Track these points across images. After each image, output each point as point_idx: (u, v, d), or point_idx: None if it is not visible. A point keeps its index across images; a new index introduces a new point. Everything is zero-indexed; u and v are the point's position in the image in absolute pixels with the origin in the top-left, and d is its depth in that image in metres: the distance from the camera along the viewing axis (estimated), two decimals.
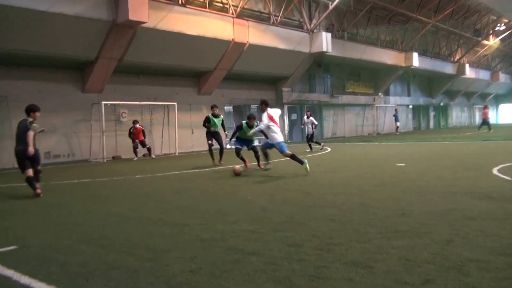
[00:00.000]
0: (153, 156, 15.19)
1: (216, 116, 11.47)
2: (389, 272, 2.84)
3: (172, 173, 9.99)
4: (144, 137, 15.22)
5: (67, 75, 14.71)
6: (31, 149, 6.55)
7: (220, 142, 11.49)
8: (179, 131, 17.10)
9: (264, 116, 8.63)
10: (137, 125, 14.94)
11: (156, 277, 2.91)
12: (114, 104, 15.36)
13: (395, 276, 2.76)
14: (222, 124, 11.70)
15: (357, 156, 12.70)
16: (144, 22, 13.67)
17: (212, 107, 11.65)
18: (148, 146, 15.22)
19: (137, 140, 14.99)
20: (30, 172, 6.70)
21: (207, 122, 11.43)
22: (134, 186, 7.95)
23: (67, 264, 3.31)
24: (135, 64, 15.46)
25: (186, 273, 2.96)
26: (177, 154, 16.69)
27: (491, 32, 36.56)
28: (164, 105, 16.96)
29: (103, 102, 14.64)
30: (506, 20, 33.83)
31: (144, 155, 15.36)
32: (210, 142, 11.35)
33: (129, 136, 14.99)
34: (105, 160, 14.44)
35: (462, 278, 2.68)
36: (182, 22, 15.37)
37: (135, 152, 14.96)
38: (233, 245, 3.62)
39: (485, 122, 24.54)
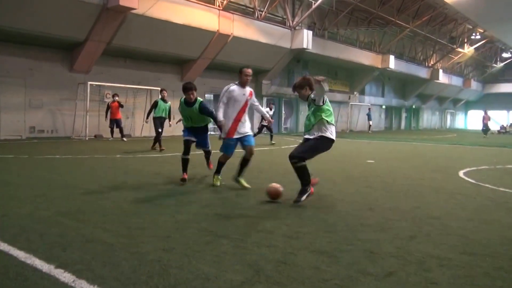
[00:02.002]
0: (124, 139, 14.88)
1: (165, 101, 11.12)
2: (353, 263, 2.95)
3: (151, 155, 10.30)
4: (120, 116, 15.05)
5: (56, 54, 15.08)
6: None
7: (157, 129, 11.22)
8: None
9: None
10: (116, 98, 14.80)
11: (131, 253, 3.01)
12: (100, 85, 15.81)
13: (359, 267, 2.86)
14: (169, 112, 11.47)
15: (329, 151, 13.45)
16: (134, 8, 14.11)
17: (162, 90, 11.23)
18: (121, 127, 15.00)
19: (113, 119, 14.84)
20: None
21: (154, 108, 11.08)
22: (114, 165, 8.18)
23: (45, 235, 3.41)
24: (122, 48, 15.87)
25: (159, 251, 3.06)
26: None
27: (466, 40, 37.96)
28: (147, 89, 17.47)
29: (89, 83, 15.10)
30: (481, 30, 35.17)
31: (125, 136, 15.78)
32: (160, 130, 11.13)
33: (106, 111, 14.80)
34: (87, 138, 14.92)
35: (423, 273, 2.78)
36: (170, 10, 15.84)
37: (112, 132, 15.16)
38: (205, 227, 3.75)
39: (486, 127, 25.22)
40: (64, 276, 2.59)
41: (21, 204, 4.51)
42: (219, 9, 17.81)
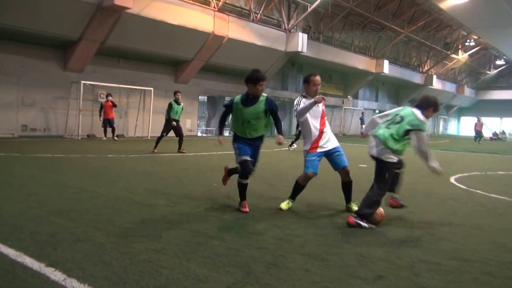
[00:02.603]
0: (116, 138, 15.13)
1: (179, 103, 10.98)
2: (343, 266, 2.97)
3: (143, 155, 10.29)
4: (113, 116, 15.15)
5: (50, 52, 14.99)
6: None
7: (181, 132, 11.12)
8: (153, 116, 17.63)
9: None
10: (110, 98, 14.94)
11: (121, 253, 3.01)
12: (93, 85, 15.74)
13: (349, 270, 2.88)
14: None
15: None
16: (128, 8, 14.07)
17: (175, 92, 11.09)
18: (113, 126, 15.18)
19: (106, 119, 14.94)
20: None
21: (170, 109, 10.88)
22: (106, 165, 8.16)
23: (36, 233, 3.40)
24: (116, 48, 15.82)
25: (150, 252, 3.06)
26: (149, 137, 17.19)
27: (460, 46, 38.29)
28: (141, 89, 17.43)
29: (83, 82, 15.01)
30: (475, 37, 35.45)
31: (117, 136, 15.72)
32: (165, 134, 11.06)
33: (100, 111, 14.91)
34: (79, 138, 14.82)
35: (413, 278, 2.80)
36: (165, 11, 15.82)
37: (105, 132, 15.18)
38: (197, 229, 3.74)
39: (478, 133, 25.44)
40: (55, 274, 2.58)
41: (13, 203, 4.49)
42: (214, 10, 17.82)
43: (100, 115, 14.97)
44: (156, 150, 10.98)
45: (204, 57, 18.59)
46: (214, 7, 17.91)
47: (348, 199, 5.01)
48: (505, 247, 3.66)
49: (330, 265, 2.97)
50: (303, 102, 4.80)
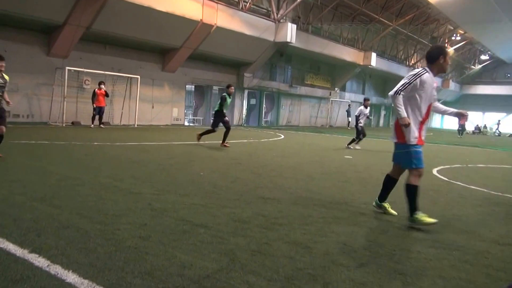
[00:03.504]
0: (102, 126, 15.05)
1: (230, 97, 10.76)
2: (327, 253, 3.04)
3: (129, 143, 10.22)
4: (105, 104, 15.21)
5: (33, 37, 14.62)
6: None
7: (229, 124, 10.83)
8: (139, 104, 17.46)
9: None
10: (102, 86, 14.89)
11: (106, 240, 3.01)
12: (78, 71, 15.43)
13: (332, 258, 2.95)
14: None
15: (308, 145, 13.40)
16: None
17: (229, 86, 10.82)
18: (102, 115, 15.15)
19: (98, 106, 14.88)
20: None
21: (223, 102, 10.56)
22: (91, 152, 8.08)
23: (19, 219, 3.38)
24: (102, 34, 15.51)
25: (136, 239, 3.07)
26: (136, 126, 17.05)
27: (446, 41, 38.78)
28: (128, 77, 17.19)
29: (67, 68, 14.71)
30: (461, 31, 35.96)
31: (103, 124, 15.53)
32: (217, 129, 10.70)
33: (92, 98, 14.81)
34: (64, 125, 14.60)
35: (393, 265, 2.89)
36: None
37: (93, 119, 15.01)
38: (183, 216, 3.76)
39: (462, 127, 25.98)
40: (39, 260, 2.57)
41: None
42: None
43: (93, 102, 14.83)
44: (199, 139, 10.81)
45: (192, 45, 18.40)
46: None
47: (383, 197, 4.48)
48: (482, 237, 3.79)
49: (314, 253, 3.03)
50: (426, 78, 4.00)
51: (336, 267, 2.79)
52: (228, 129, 10.65)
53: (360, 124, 12.65)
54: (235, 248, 3.02)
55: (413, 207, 3.98)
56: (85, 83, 16.04)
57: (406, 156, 4.14)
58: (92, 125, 14.97)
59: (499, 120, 40.13)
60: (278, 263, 2.79)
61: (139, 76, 17.21)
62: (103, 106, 15.07)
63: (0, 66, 6.38)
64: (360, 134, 12.68)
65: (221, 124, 10.59)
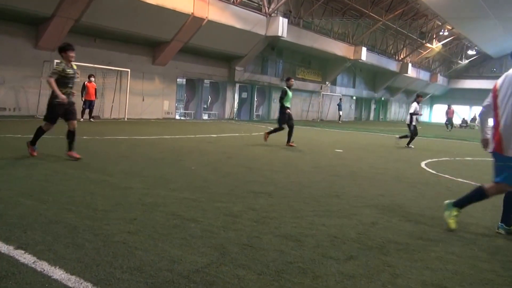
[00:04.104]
0: (92, 120, 14.91)
1: (290, 89, 10.24)
2: (317, 246, 3.06)
3: (119, 137, 10.12)
4: (96, 97, 15.09)
5: (21, 29, 14.34)
6: (62, 97, 5.87)
7: (292, 122, 10.27)
8: (130, 97, 17.29)
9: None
10: (92, 79, 14.74)
11: (95, 235, 2.98)
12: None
13: (322, 251, 2.98)
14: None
15: (299, 139, 13.33)
16: None
17: (289, 79, 10.38)
18: (92, 108, 15.04)
19: (87, 100, 14.70)
20: (47, 126, 6.23)
21: (284, 95, 9.98)
22: (80, 147, 7.80)
23: (5, 215, 3.31)
24: (92, 26, 15.28)
25: (125, 234, 3.04)
26: (126, 119, 16.90)
27: (435, 36, 39.18)
28: (118, 70, 16.98)
29: (56, 61, 14.40)
30: (449, 27, 36.32)
31: (93, 117, 15.35)
32: (284, 126, 10.14)
33: (82, 91, 14.58)
34: None
35: (381, 257, 2.93)
36: None
37: (82, 113, 14.79)
38: (173, 211, 3.74)
39: (450, 120, 26.23)
40: (24, 257, 2.54)
41: None
42: None
43: (82, 96, 14.60)
44: (267, 138, 10.33)
45: (183, 38, 18.23)
46: None
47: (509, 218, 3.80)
48: (468, 228, 3.86)
49: (304, 246, 3.05)
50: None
51: (326, 260, 2.82)
52: (291, 127, 10.12)
53: (413, 123, 11.88)
54: (226, 242, 3.02)
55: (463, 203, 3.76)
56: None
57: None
58: (82, 119, 14.77)
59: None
60: (268, 256, 2.79)
61: (129, 70, 17.02)
62: (94, 100, 14.89)
63: (70, 56, 6.06)
64: (413, 132, 11.96)
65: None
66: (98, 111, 16.58)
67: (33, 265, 2.43)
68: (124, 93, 17.16)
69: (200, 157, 7.58)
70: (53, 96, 6.01)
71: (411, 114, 11.97)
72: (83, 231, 3.05)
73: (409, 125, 12.07)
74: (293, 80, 10.52)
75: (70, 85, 6.09)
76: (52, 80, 5.91)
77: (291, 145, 10.10)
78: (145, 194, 4.35)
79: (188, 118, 22.19)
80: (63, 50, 6.09)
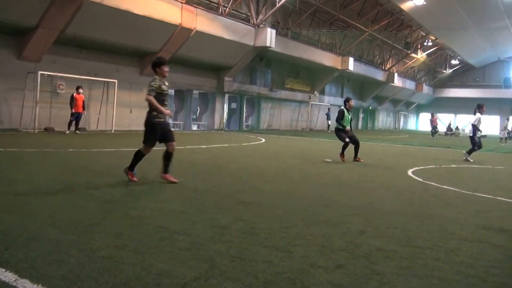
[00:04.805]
0: (77, 132, 14.72)
1: (349, 112, 9.88)
2: (306, 256, 3.07)
3: (106, 150, 10.03)
4: (84, 110, 14.97)
5: (3, 40, 14.13)
6: (167, 112, 5.60)
7: (356, 138, 10.02)
8: (117, 109, 17.17)
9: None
10: (81, 91, 14.63)
11: (80, 250, 2.92)
12: (52, 75, 15.01)
13: (311, 261, 2.98)
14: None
15: (289, 149, 13.49)
16: None
17: (348, 100, 10.03)
18: (79, 120, 14.92)
19: (76, 112, 14.57)
20: (147, 149, 5.71)
21: (341, 118, 9.75)
22: (65, 160, 7.85)
23: None
24: (78, 37, 15.19)
25: (111, 248, 2.99)
26: (113, 131, 16.74)
27: (419, 46, 39.91)
28: (104, 81, 16.88)
29: (40, 72, 14.29)
30: (433, 37, 37.13)
31: (79, 129, 15.17)
32: (348, 140, 9.79)
33: (70, 103, 14.47)
34: (36, 131, 14.14)
35: (369, 265, 2.96)
36: (131, 0, 15.35)
37: (69, 125, 14.62)
38: (161, 224, 3.70)
39: (434, 128, 26.64)
40: (5, 275, 2.46)
41: None
42: (182, 2, 17.50)
43: (71, 107, 14.47)
44: (343, 158, 9.83)
45: (171, 49, 18.25)
46: None
47: None
48: (453, 234, 3.91)
49: (293, 256, 3.06)
50: None
51: (314, 269, 2.82)
52: (356, 143, 9.82)
53: (476, 135, 11.27)
54: (214, 254, 3.00)
55: None
56: (59, 87, 15.61)
57: None
58: (68, 131, 14.60)
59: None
60: (257, 268, 2.78)
61: (116, 80, 16.93)
62: (81, 112, 14.77)
63: (165, 71, 5.68)
64: (476, 144, 11.31)
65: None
66: (84, 123, 16.39)
67: (14, 284, 2.36)
68: (111, 104, 17.03)
69: (190, 168, 7.54)
70: (152, 115, 5.56)
71: (474, 126, 11.32)
72: (67, 247, 2.99)
73: (472, 137, 11.41)
74: (353, 101, 10.13)
75: (166, 102, 5.71)
76: (152, 98, 5.48)
77: (358, 160, 9.82)
78: (132, 207, 4.31)
79: (177, 129, 22.09)
80: (158, 65, 5.70)
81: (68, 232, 3.36)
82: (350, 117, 9.92)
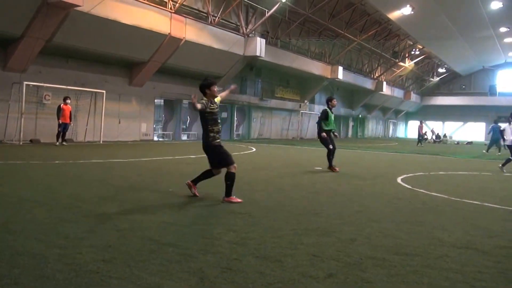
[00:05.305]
0: (64, 143, 14.54)
1: (332, 111, 9.47)
2: (297, 266, 3.06)
3: (94, 161, 9.92)
4: (70, 121, 14.82)
5: None
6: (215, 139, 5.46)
7: (335, 143, 9.55)
8: (106, 119, 17.03)
9: None
10: (68, 101, 14.51)
11: (66, 264, 2.86)
12: (37, 86, 14.81)
13: (302, 270, 2.98)
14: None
15: (280, 158, 13.54)
16: (78, 6, 13.44)
17: (331, 99, 9.58)
18: (66, 131, 14.77)
19: (64, 123, 14.40)
20: (217, 171, 5.59)
21: (324, 118, 9.35)
22: (52, 172, 7.75)
23: None
24: (64, 47, 15.07)
25: (99, 262, 2.94)
26: (101, 142, 16.57)
27: (407, 55, 40.57)
28: (92, 92, 16.74)
29: (25, 83, 14.11)
30: (420, 46, 37.84)
31: (65, 141, 14.98)
32: (332, 146, 9.35)
33: (57, 114, 14.31)
34: (21, 143, 13.92)
35: (360, 274, 2.96)
36: (119, 10, 15.30)
37: (58, 136, 14.43)
38: (150, 236, 3.67)
39: (421, 136, 26.91)
40: None
41: None
42: (171, 12, 17.53)
43: (58, 119, 14.31)
44: (336, 169, 9.35)
45: (161, 59, 18.22)
46: (171, 9, 17.63)
47: None
48: (442, 241, 3.93)
49: (284, 266, 3.05)
50: None
51: (305, 279, 2.81)
52: (329, 150, 9.29)
53: (507, 143, 10.91)
54: (205, 266, 2.97)
55: None
56: (45, 98, 15.39)
57: None
58: (57, 143, 14.43)
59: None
60: (248, 279, 2.76)
61: (104, 91, 16.81)
62: (68, 123, 14.61)
63: (215, 91, 5.51)
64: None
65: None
66: (71, 134, 16.19)
67: None
68: (99, 115, 16.90)
69: (179, 178, 7.46)
70: (209, 139, 5.46)
71: (501, 132, 11.08)
72: (53, 261, 2.91)
73: (510, 147, 11.01)
74: (335, 100, 9.68)
75: (219, 121, 5.61)
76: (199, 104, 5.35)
77: (334, 170, 9.30)
78: (120, 219, 4.26)
79: (166, 139, 21.99)
80: (209, 86, 5.52)
81: (53, 246, 3.28)
82: (333, 117, 9.60)
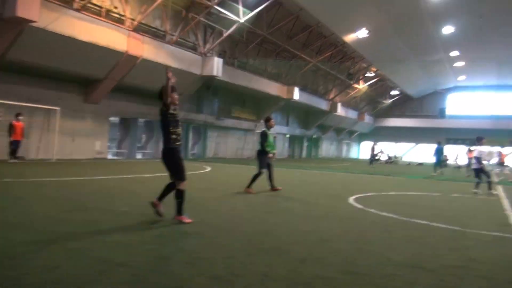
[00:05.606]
0: (16, 161, 13.93)
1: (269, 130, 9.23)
2: (248, 286, 3.08)
3: (45, 179, 9.57)
4: (22, 137, 14.20)
5: None
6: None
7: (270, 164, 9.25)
8: (59, 137, 16.37)
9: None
10: (20, 118, 13.95)
11: (12, 286, 2.82)
12: None
13: None
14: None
15: (234, 177, 13.53)
16: (33, 21, 13.01)
17: (268, 119, 9.25)
18: (17, 149, 14.19)
19: (15, 140, 13.81)
20: (182, 185, 5.37)
21: (265, 140, 9.00)
22: (0, 190, 7.39)
23: None
24: (19, 63, 14.49)
25: (46, 284, 2.88)
26: (54, 160, 15.86)
27: (361, 77, 42.26)
28: (46, 109, 16.09)
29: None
30: (374, 69, 39.61)
31: (17, 158, 14.21)
32: (264, 170, 9.04)
33: (9, 131, 13.70)
34: None
35: None
36: (75, 26, 14.99)
37: (11, 153, 13.81)
38: (101, 256, 3.63)
39: (373, 157, 27.52)
40: None
41: None
42: (128, 30, 17.39)
43: (10, 136, 13.71)
44: (251, 190, 8.90)
45: (117, 76, 17.90)
46: (129, 27, 17.48)
47: None
48: (390, 260, 4.11)
49: (235, 286, 3.06)
50: None
51: None
52: (260, 174, 8.97)
53: (482, 167, 10.69)
54: (155, 286, 2.97)
55: None
56: None
57: None
58: (11, 160, 13.67)
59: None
60: None
61: (58, 108, 16.20)
62: (20, 140, 14.05)
63: (175, 99, 5.50)
64: (487, 175, 10.84)
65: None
66: (23, 151, 15.39)
67: None
68: (53, 132, 16.21)
69: (132, 198, 7.37)
70: (172, 139, 5.41)
71: (477, 158, 10.77)
72: None
73: (480, 171, 10.85)
74: (273, 120, 9.41)
75: (180, 123, 5.72)
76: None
77: (250, 192, 8.95)
78: (70, 239, 4.16)
79: (121, 157, 21.38)
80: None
81: None
82: (272, 137, 9.25)
